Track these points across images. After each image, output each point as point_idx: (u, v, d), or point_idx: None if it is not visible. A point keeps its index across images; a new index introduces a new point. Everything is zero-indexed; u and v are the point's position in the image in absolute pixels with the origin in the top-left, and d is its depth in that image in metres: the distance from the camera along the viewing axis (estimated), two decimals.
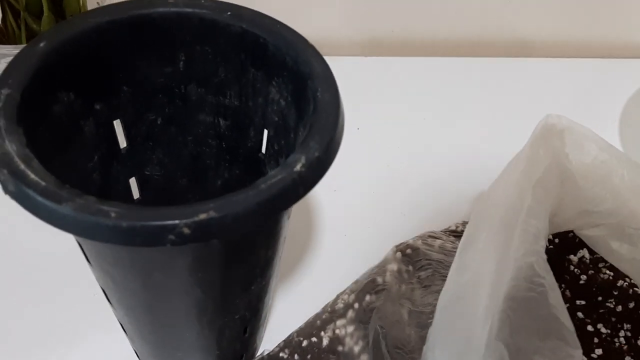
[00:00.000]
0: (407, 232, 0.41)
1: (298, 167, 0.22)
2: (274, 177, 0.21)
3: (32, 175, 0.21)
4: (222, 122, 0.32)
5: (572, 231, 0.38)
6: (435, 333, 0.27)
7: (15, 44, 0.37)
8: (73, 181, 0.28)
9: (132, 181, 0.33)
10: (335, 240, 0.43)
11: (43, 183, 0.20)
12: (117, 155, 0.31)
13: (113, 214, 0.20)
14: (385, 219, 0.44)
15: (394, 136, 0.50)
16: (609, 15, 0.57)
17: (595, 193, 0.30)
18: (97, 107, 0.29)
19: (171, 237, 0.20)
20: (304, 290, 0.40)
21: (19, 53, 0.25)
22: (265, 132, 0.31)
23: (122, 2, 0.28)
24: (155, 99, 0.31)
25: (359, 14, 0.57)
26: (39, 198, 0.20)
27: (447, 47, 0.59)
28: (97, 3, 0.37)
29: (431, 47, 0.59)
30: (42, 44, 0.25)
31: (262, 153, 0.31)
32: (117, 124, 0.30)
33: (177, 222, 0.20)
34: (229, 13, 0.28)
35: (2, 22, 0.38)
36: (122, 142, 0.31)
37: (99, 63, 0.28)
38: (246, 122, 0.31)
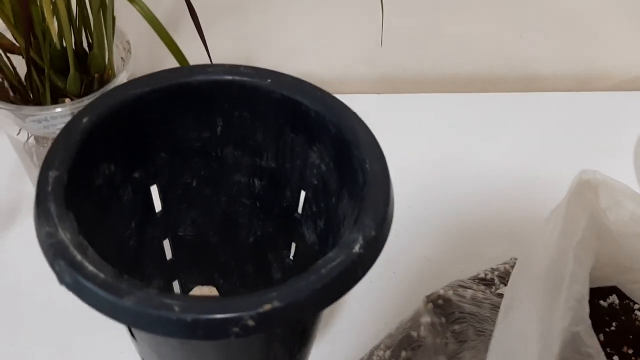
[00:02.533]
0: (432, 278, 0.41)
1: (356, 248, 0.21)
2: (333, 260, 0.21)
3: (90, 267, 0.20)
4: (257, 182, 0.31)
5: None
6: None
7: (40, 102, 0.37)
8: (111, 251, 0.28)
9: (166, 242, 0.33)
10: (360, 287, 0.42)
11: (102, 275, 0.20)
12: (153, 219, 0.31)
13: (177, 308, 0.19)
14: (409, 263, 0.44)
15: (411, 175, 0.50)
16: (616, 49, 0.58)
17: (635, 251, 0.30)
18: (136, 175, 0.28)
19: (235, 329, 0.19)
20: (333, 342, 0.39)
21: (62, 130, 0.25)
22: (303, 193, 0.30)
23: (162, 70, 0.27)
24: (192, 162, 0.30)
25: (371, 52, 0.57)
26: (99, 291, 0.20)
27: (458, 83, 0.59)
28: (122, 58, 0.37)
29: (441, 83, 0.59)
30: (85, 120, 0.25)
31: (299, 213, 0.31)
32: (154, 189, 0.30)
33: (241, 314, 0.19)
34: (269, 80, 0.28)
35: (25, 79, 0.37)
36: (158, 206, 0.31)
37: (139, 132, 0.27)
38: (282, 183, 0.31)
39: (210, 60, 0.39)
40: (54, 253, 0.21)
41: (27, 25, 0.33)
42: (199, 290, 0.35)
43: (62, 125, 0.37)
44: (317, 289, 0.20)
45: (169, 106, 0.28)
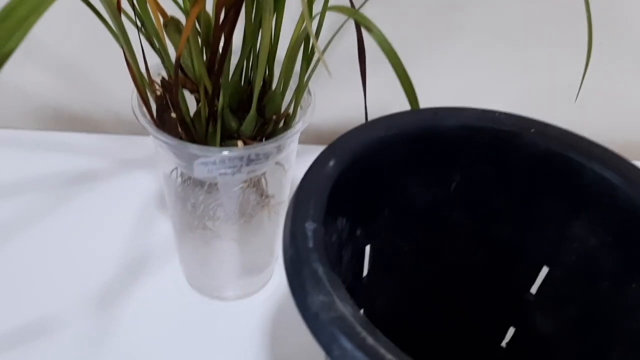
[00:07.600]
0: None
1: None
2: None
3: (388, 355, 0.15)
4: (479, 252, 0.26)
5: None
6: None
7: (203, 142, 0.33)
8: None
9: None
10: None
11: None
12: (358, 287, 0.26)
13: None
14: None
15: None
16: None
17: None
18: (358, 232, 0.24)
19: None
20: None
21: (308, 173, 0.20)
22: (545, 269, 0.25)
23: (403, 112, 0.23)
24: (410, 223, 0.25)
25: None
26: None
27: None
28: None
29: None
30: (330, 164, 0.21)
31: (531, 294, 0.26)
32: (367, 250, 0.25)
33: None
34: (532, 130, 0.23)
35: (195, 116, 0.34)
36: (365, 271, 0.26)
37: (372, 182, 0.23)
38: (515, 255, 0.26)
39: (365, 105, 0.34)
40: (335, 331, 0.16)
41: (220, 64, 0.29)
42: None
43: (224, 171, 0.34)
44: None
45: (409, 154, 0.23)
